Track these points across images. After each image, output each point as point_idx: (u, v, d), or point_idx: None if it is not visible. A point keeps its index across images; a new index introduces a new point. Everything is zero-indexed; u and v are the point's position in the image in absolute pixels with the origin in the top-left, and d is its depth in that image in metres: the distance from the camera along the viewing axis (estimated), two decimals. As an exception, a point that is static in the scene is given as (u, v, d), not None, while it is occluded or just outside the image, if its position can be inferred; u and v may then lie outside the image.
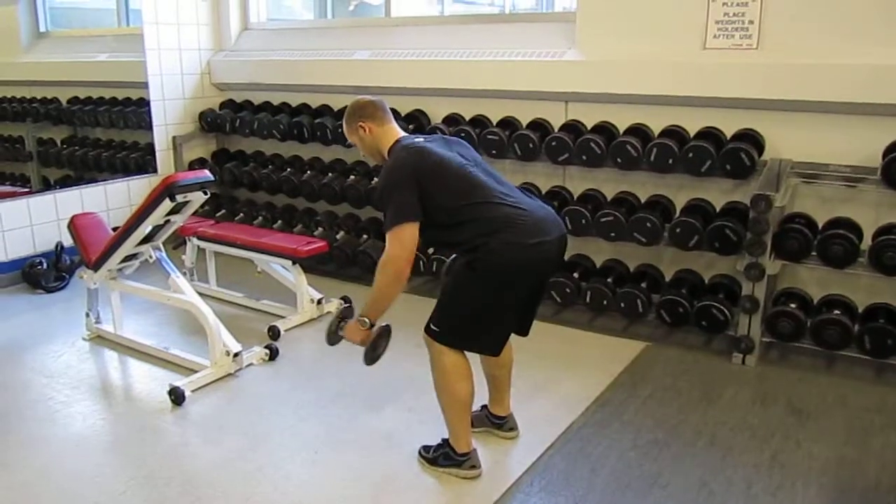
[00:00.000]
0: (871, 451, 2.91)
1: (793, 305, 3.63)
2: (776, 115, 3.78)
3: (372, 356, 2.63)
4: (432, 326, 2.59)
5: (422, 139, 2.67)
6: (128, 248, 3.59)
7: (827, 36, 3.58)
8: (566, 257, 4.29)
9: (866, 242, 3.54)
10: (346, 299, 4.31)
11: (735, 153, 3.69)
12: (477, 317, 2.55)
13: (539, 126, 4.40)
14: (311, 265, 4.51)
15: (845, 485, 2.69)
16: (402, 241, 2.43)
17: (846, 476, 2.74)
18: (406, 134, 2.73)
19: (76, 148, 5.63)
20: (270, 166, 5.43)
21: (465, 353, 2.62)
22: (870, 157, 3.55)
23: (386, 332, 2.64)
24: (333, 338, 2.67)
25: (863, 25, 3.51)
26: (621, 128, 4.16)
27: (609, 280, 4.08)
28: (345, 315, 2.67)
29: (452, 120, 4.71)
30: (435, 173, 2.50)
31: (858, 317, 3.60)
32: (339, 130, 4.63)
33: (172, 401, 3.23)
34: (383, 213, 2.50)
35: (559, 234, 2.57)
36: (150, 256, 3.69)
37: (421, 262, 4.51)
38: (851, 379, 3.52)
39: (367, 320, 2.54)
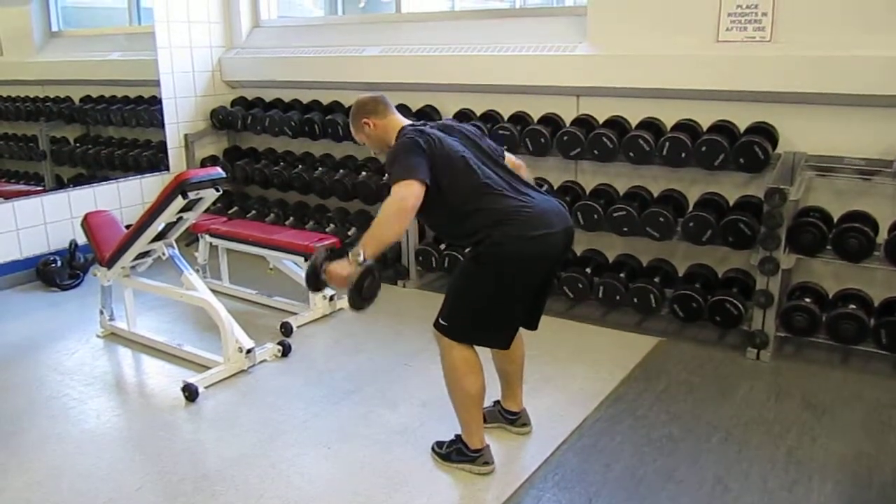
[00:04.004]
0: (888, 446, 2.88)
1: (808, 300, 3.60)
2: (790, 107, 3.75)
3: (358, 298, 2.29)
4: (441, 321, 2.59)
5: (428, 126, 2.65)
6: (141, 245, 3.61)
7: (841, 27, 3.55)
8: (579, 252, 4.33)
9: (882, 236, 3.50)
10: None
11: (748, 146, 3.66)
12: (484, 310, 2.55)
13: (551, 121, 4.38)
14: (323, 262, 4.51)
15: (862, 480, 2.67)
16: (410, 187, 2.35)
17: (863, 471, 2.72)
18: (410, 122, 2.72)
19: (89, 146, 5.65)
20: (282, 163, 5.45)
21: (476, 347, 2.61)
22: (885, 150, 3.51)
23: (373, 272, 2.31)
24: (315, 278, 2.38)
25: (877, 16, 3.47)
26: (633, 122, 4.14)
27: (622, 275, 4.05)
28: (332, 255, 2.39)
29: (463, 115, 4.69)
30: (444, 156, 2.49)
31: (874, 311, 3.57)
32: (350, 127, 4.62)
33: (186, 397, 3.25)
34: (389, 177, 2.43)
35: (564, 227, 2.56)
36: (163, 254, 3.71)
37: (433, 258, 4.50)
38: (867, 374, 3.49)
39: (360, 253, 2.33)
